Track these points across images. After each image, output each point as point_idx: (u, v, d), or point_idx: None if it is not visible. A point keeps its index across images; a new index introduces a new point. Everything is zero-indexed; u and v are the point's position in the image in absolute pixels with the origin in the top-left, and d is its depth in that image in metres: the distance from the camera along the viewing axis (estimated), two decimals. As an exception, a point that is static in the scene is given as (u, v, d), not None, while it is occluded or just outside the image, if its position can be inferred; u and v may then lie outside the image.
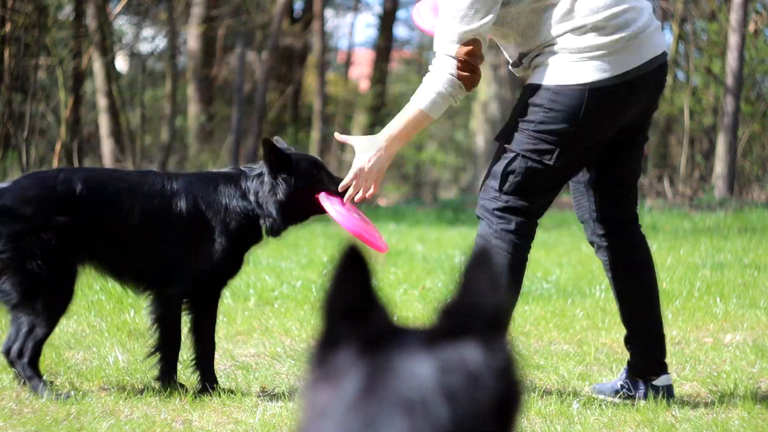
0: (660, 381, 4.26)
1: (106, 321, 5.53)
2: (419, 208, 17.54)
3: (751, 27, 17.36)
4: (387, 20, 25.39)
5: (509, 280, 4.04)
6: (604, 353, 5.09)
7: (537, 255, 9.26)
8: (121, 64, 23.87)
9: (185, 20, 21.12)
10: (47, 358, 4.54)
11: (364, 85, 29.94)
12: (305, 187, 4.22)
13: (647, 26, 4.04)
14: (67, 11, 18.59)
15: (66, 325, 5.39)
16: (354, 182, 4.15)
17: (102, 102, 17.45)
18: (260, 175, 4.24)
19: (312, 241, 9.99)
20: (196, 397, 4.07)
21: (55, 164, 15.60)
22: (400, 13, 33.08)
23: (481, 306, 1.24)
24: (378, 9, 32.68)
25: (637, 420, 3.91)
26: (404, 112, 4.05)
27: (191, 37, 21.59)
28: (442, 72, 3.96)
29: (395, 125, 4.07)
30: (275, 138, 4.35)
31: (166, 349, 4.22)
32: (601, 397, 4.26)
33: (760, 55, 17.86)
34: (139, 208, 4.14)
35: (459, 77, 3.94)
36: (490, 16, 3.92)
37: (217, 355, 4.91)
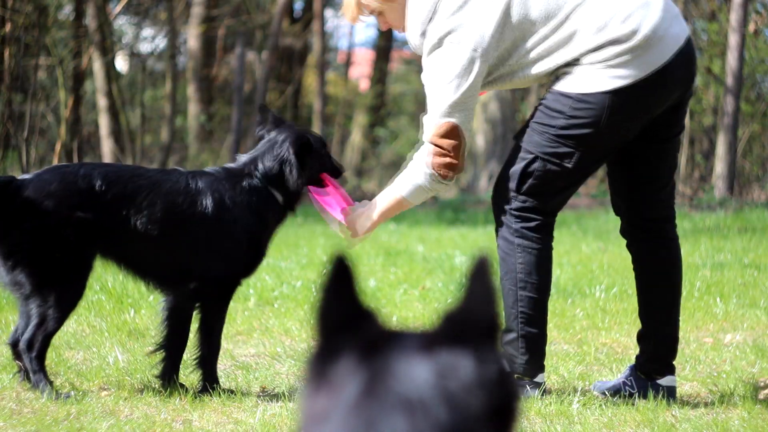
0: (665, 381, 4.27)
1: (106, 321, 5.53)
2: (419, 208, 17.53)
3: (751, 27, 17.36)
4: (387, 20, 25.38)
5: (538, 275, 4.09)
6: (604, 353, 5.09)
7: (537, 255, 9.27)
8: (121, 64, 23.87)
9: (185, 20, 21.12)
10: (47, 358, 4.54)
11: (364, 85, 29.94)
12: (317, 166, 4.29)
13: (663, 19, 3.98)
14: (67, 11, 18.59)
15: (66, 325, 5.38)
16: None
17: (102, 102, 17.44)
18: (265, 153, 4.26)
19: (312, 241, 9.98)
20: (196, 397, 4.07)
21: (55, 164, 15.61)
22: (400, 13, 33.10)
23: (475, 317, 1.26)
24: (378, 9, 32.62)
25: (637, 420, 3.91)
26: (387, 196, 4.17)
27: (191, 37, 21.58)
28: (420, 165, 4.07)
29: (379, 207, 4.20)
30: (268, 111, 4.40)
31: (172, 348, 4.23)
32: (598, 394, 4.26)
33: (760, 55, 17.86)
34: (161, 206, 4.14)
35: (434, 167, 4.01)
36: (465, 113, 4.01)
37: (217, 355, 4.92)
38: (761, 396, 4.30)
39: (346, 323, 1.27)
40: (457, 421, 1.18)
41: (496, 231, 4.19)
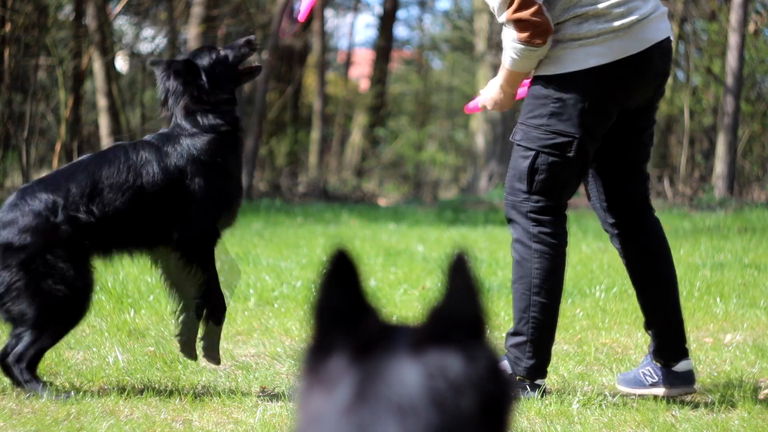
0: (680, 366, 4.28)
1: (106, 321, 5.53)
2: (419, 208, 17.53)
3: (751, 27, 17.36)
4: (387, 20, 25.40)
5: (553, 281, 4.10)
6: (604, 353, 5.09)
7: (537, 255, 9.26)
8: (121, 64, 23.87)
9: (185, 20, 21.12)
10: (47, 358, 4.54)
11: (364, 85, 29.94)
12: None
13: (651, 12, 4.07)
14: (67, 11, 18.59)
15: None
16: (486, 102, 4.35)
17: (102, 102, 17.45)
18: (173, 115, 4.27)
19: (312, 241, 9.98)
20: (196, 397, 4.07)
21: (55, 164, 15.60)
22: (400, 13, 33.14)
23: (460, 314, 1.26)
24: (378, 9, 32.70)
25: (637, 420, 3.91)
26: (501, 69, 4.19)
27: (191, 37, 21.59)
28: (507, 41, 4.05)
29: (500, 76, 4.22)
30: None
31: (186, 303, 4.26)
32: (623, 389, 4.28)
33: (760, 55, 17.86)
34: (116, 185, 4.14)
35: (521, 41, 3.98)
36: None
37: (217, 355, 4.91)
38: (761, 396, 4.30)
39: (340, 320, 1.27)
40: (448, 422, 1.18)
41: (512, 234, 4.19)
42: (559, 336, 5.51)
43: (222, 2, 22.16)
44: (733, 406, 4.16)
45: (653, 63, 4.09)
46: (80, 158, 4.34)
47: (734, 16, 15.80)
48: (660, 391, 4.26)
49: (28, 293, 4.04)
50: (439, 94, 32.08)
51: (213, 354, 4.27)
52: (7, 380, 4.22)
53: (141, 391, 4.14)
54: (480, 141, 20.27)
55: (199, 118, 4.22)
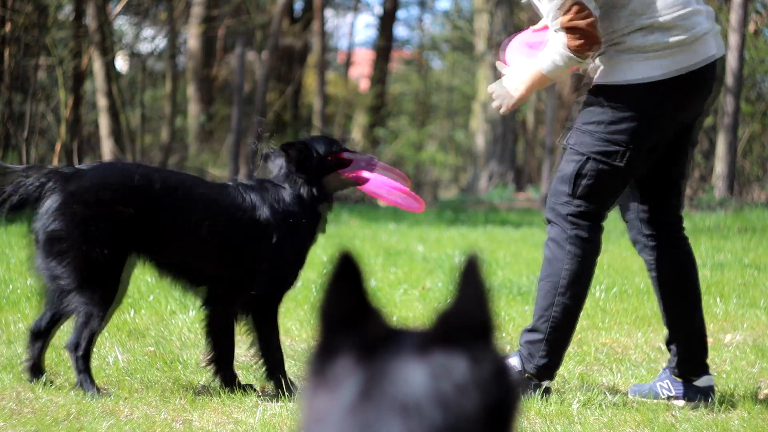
0: (701, 381, 4.28)
1: (106, 321, 5.52)
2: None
3: (751, 27, 17.36)
4: (387, 20, 25.40)
5: (580, 285, 4.12)
6: (604, 353, 5.09)
7: (537, 255, 9.26)
8: (121, 64, 23.88)
9: (185, 20, 21.12)
10: (47, 358, 4.54)
11: (364, 85, 29.94)
12: (326, 170, 4.33)
13: (711, 28, 4.12)
14: (67, 11, 18.59)
15: (66, 325, 5.38)
16: (495, 93, 4.25)
17: (102, 102, 17.45)
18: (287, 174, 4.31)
19: (312, 241, 9.96)
20: (196, 397, 4.07)
21: (54, 164, 15.59)
22: (400, 13, 33.12)
23: (468, 317, 1.26)
24: (378, 9, 32.69)
25: (637, 420, 3.91)
26: (531, 68, 4.13)
27: (191, 37, 21.60)
28: (555, 45, 4.04)
29: (525, 75, 4.14)
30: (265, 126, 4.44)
31: (223, 358, 4.27)
32: (639, 398, 4.28)
33: (760, 55, 17.85)
34: (214, 218, 4.17)
35: (570, 48, 3.98)
36: None
37: (217, 355, 4.91)
38: (761, 396, 4.30)
39: (346, 322, 1.27)
40: (452, 423, 1.19)
41: (548, 233, 4.21)
42: (559, 336, 5.52)
43: (222, 2, 22.16)
44: (733, 406, 4.16)
45: (710, 79, 4.13)
46: (188, 174, 4.41)
47: (734, 16, 15.80)
48: (680, 403, 4.26)
49: (73, 253, 4.01)
50: (439, 94, 32.10)
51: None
52: (6, 380, 4.23)
53: (141, 391, 4.14)
54: (480, 141, 20.27)
55: (299, 183, 4.28)
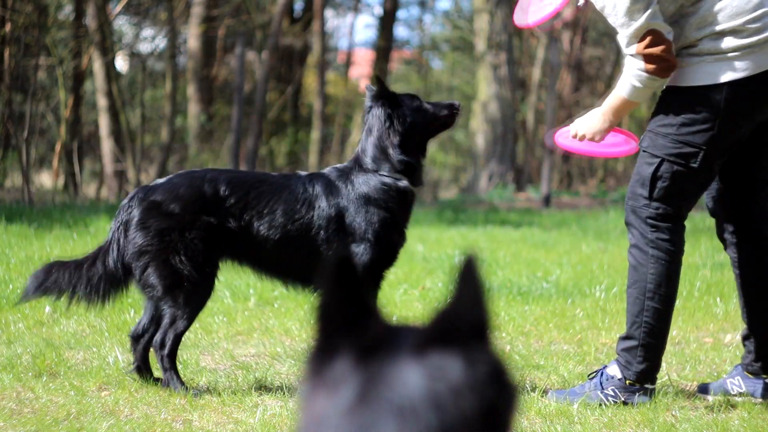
0: None
1: (106, 321, 5.53)
2: (419, 208, 17.54)
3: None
4: (387, 20, 25.40)
5: (668, 287, 4.13)
6: (604, 353, 5.09)
7: (537, 255, 9.26)
8: (121, 64, 23.88)
9: (185, 20, 21.12)
10: (47, 358, 4.55)
11: (364, 85, 29.91)
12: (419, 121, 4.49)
13: None
14: (67, 11, 18.60)
15: (66, 325, 5.39)
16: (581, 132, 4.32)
17: (102, 102, 17.46)
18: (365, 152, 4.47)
19: (312, 241, 9.96)
20: (196, 397, 4.07)
21: (54, 164, 15.62)
22: (400, 14, 33.13)
23: (465, 318, 1.26)
24: (378, 9, 32.69)
25: (637, 420, 3.91)
26: (612, 97, 4.18)
27: (191, 37, 21.60)
28: (631, 69, 4.07)
29: (608, 104, 4.22)
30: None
31: None
32: (705, 396, 4.29)
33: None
34: (281, 210, 4.29)
35: (648, 71, 4.01)
36: (651, 9, 3.98)
37: (217, 355, 4.92)
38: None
39: (345, 323, 1.27)
40: (447, 424, 1.19)
41: (629, 240, 4.23)
42: (559, 336, 5.52)
43: (222, 2, 22.17)
44: (733, 406, 4.16)
45: None
46: (263, 173, 4.51)
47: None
48: (757, 400, 4.28)
49: (157, 263, 4.19)
50: (439, 94, 32.09)
51: None
52: (6, 380, 4.23)
53: (141, 391, 4.15)
54: (480, 141, 20.27)
55: (390, 152, 4.39)
